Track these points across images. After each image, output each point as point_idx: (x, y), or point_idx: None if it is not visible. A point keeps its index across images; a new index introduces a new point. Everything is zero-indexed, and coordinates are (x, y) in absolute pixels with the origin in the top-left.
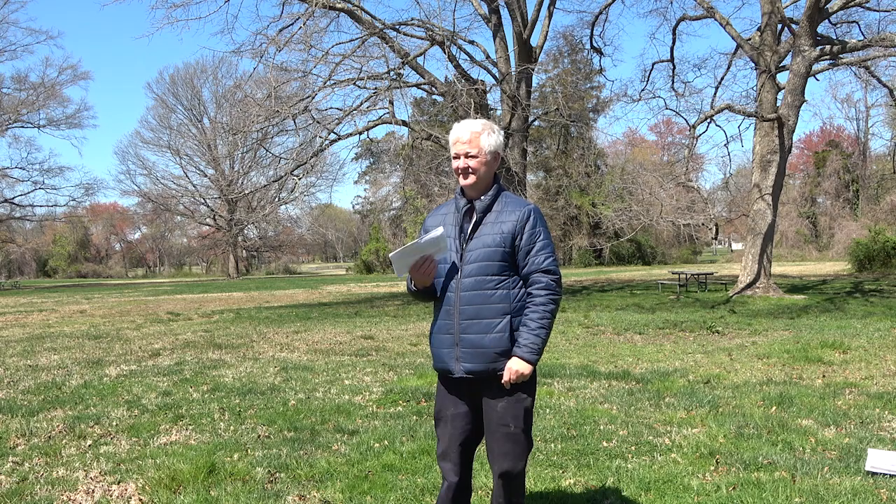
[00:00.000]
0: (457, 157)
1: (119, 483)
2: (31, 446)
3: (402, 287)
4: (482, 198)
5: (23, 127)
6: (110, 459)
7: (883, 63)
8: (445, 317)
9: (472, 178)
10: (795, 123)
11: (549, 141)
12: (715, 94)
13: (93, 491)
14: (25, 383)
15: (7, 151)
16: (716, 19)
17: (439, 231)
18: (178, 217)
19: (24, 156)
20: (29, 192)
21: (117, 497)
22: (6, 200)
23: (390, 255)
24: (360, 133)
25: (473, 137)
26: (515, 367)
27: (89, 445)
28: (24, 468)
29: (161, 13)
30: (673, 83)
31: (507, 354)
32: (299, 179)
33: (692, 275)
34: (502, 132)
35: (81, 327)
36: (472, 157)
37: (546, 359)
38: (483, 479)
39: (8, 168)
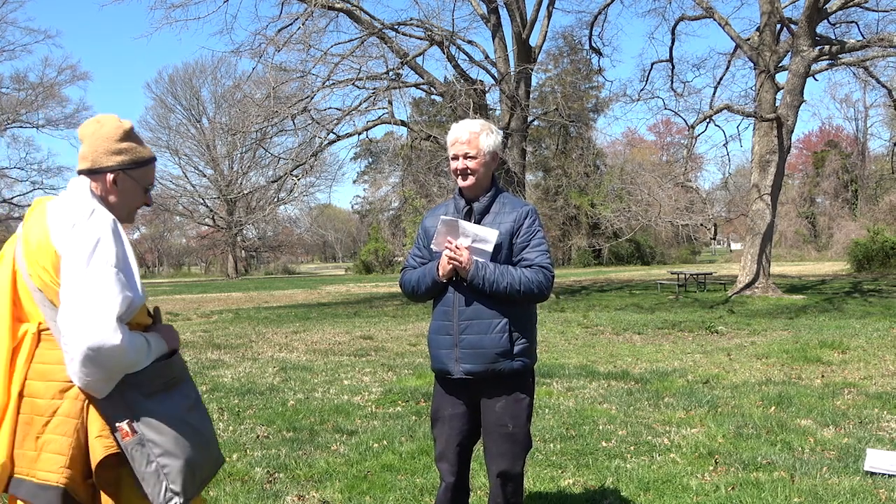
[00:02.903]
0: (455, 157)
1: None
2: None
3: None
4: (481, 199)
5: (21, 127)
6: None
7: (882, 63)
8: (444, 317)
9: (470, 180)
10: (794, 123)
11: (548, 141)
12: (714, 94)
13: None
14: None
15: (6, 151)
16: (714, 19)
17: (496, 233)
18: (177, 217)
19: (22, 156)
20: (27, 193)
21: None
22: (5, 201)
23: (444, 217)
24: (359, 133)
25: (472, 138)
26: (464, 259)
27: None
28: None
29: (160, 13)
30: (672, 83)
31: (507, 355)
32: (298, 179)
33: (691, 275)
34: (501, 132)
35: None
36: (470, 157)
37: (545, 359)
38: (482, 480)
39: (6, 168)
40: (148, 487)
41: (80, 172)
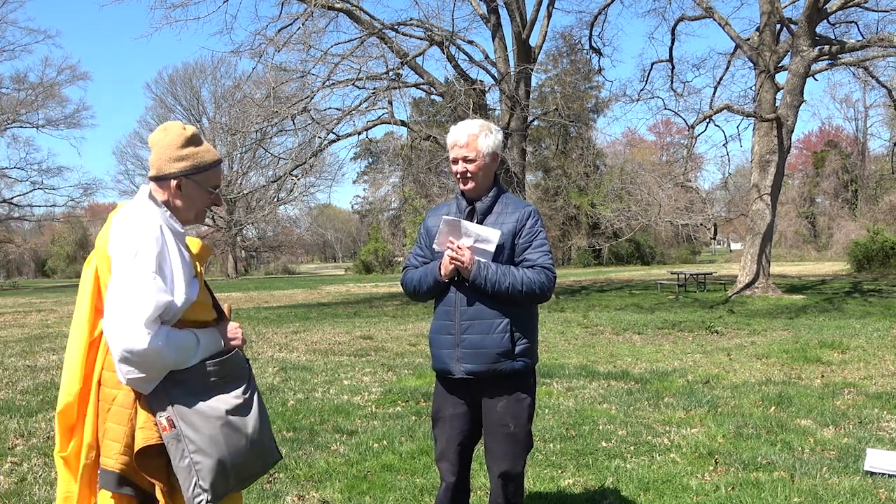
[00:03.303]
0: (455, 161)
1: None
2: (30, 447)
3: (400, 287)
4: (483, 199)
5: (21, 127)
6: None
7: (882, 63)
8: (445, 317)
9: (471, 184)
10: (794, 123)
11: (548, 141)
12: (714, 94)
13: None
14: (24, 383)
15: (6, 151)
16: (714, 19)
17: (497, 233)
18: None
19: (22, 156)
20: (27, 193)
21: None
22: (5, 201)
23: (447, 217)
24: (359, 133)
25: (471, 140)
26: (466, 259)
27: None
28: (23, 468)
29: (160, 13)
30: (672, 83)
31: (508, 355)
32: (298, 180)
33: (691, 275)
34: (501, 131)
35: None
36: (470, 161)
37: (545, 359)
38: (482, 480)
39: (6, 168)
40: (181, 481)
41: (150, 178)
